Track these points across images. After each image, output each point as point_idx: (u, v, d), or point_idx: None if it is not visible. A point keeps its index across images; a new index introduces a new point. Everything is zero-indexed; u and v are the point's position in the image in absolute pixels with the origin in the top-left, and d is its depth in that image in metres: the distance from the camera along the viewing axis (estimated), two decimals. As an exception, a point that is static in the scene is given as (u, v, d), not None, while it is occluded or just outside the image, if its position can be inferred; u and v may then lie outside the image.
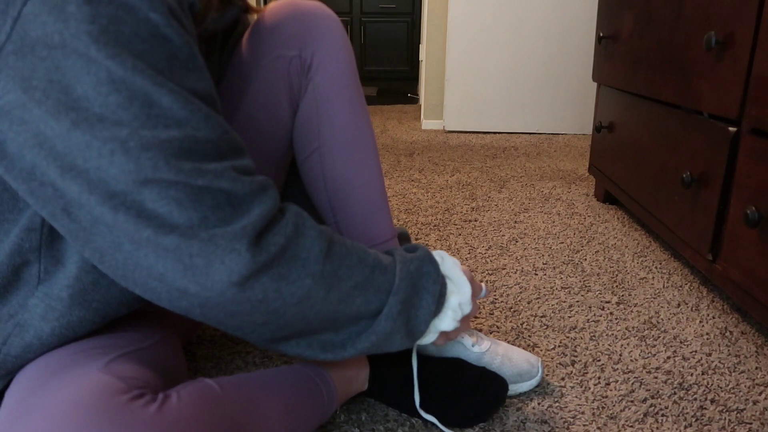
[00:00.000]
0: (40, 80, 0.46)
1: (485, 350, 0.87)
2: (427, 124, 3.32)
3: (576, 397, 0.88)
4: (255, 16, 0.79)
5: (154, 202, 0.48)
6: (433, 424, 0.80)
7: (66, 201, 0.49)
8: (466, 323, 0.75)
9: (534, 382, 0.88)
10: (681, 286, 1.27)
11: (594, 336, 1.05)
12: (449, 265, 0.70)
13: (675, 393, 0.89)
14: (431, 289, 0.65)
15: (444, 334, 0.72)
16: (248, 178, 0.53)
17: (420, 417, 0.80)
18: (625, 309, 1.16)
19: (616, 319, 1.12)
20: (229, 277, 0.50)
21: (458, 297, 0.68)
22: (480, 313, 1.13)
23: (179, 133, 0.49)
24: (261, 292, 0.53)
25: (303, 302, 0.56)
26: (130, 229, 0.49)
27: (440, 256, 0.71)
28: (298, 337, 0.60)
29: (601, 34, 1.78)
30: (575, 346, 1.02)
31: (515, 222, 1.67)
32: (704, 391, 0.90)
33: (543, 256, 1.42)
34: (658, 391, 0.90)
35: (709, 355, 1.00)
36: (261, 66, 0.76)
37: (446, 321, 0.68)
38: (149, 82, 0.48)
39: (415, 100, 4.57)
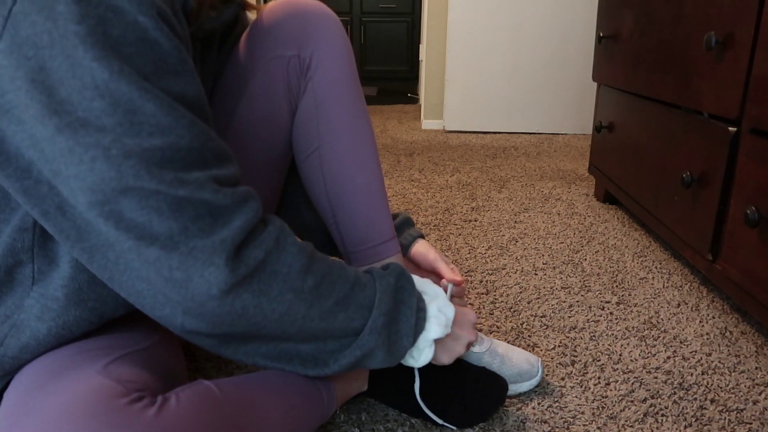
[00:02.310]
0: (23, 80, 0.46)
1: (485, 350, 0.87)
2: (427, 124, 3.32)
3: (576, 397, 0.88)
4: (254, 15, 0.79)
5: (133, 212, 0.48)
6: (433, 423, 0.80)
7: (61, 199, 0.49)
8: (468, 331, 0.74)
9: (534, 382, 0.88)
10: (681, 286, 1.27)
11: (594, 336, 1.05)
12: (419, 281, 0.71)
13: (675, 393, 0.89)
14: (408, 302, 0.65)
15: (446, 352, 0.72)
16: (230, 189, 0.53)
17: (421, 409, 0.80)
18: (625, 309, 1.16)
19: (616, 319, 1.12)
20: (208, 290, 0.51)
21: (435, 303, 0.68)
22: (480, 313, 1.13)
23: (162, 142, 0.49)
24: (241, 307, 0.53)
25: (283, 318, 0.56)
26: (112, 239, 0.49)
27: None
28: (279, 354, 0.60)
29: (601, 34, 1.78)
30: (575, 346, 1.02)
31: (515, 222, 1.67)
32: (704, 391, 0.90)
33: (543, 256, 1.42)
34: (658, 391, 0.90)
35: (709, 355, 1.00)
36: (259, 66, 0.76)
37: (433, 329, 0.67)
38: (134, 88, 0.48)
39: (415, 100, 4.57)
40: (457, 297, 0.83)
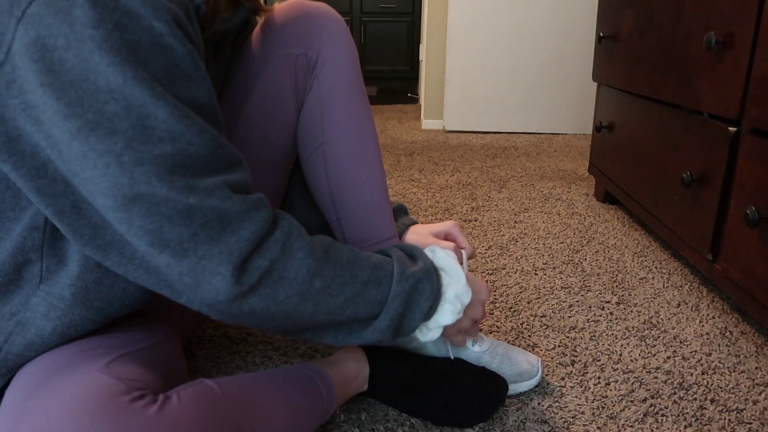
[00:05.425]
0: (35, 83, 0.47)
1: (485, 350, 0.87)
2: (427, 124, 3.32)
3: (576, 397, 0.88)
4: (263, 16, 0.80)
5: (143, 219, 0.49)
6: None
7: (77, 197, 0.50)
8: (473, 325, 0.77)
9: (534, 382, 0.88)
10: (681, 286, 1.27)
11: (594, 336, 1.05)
12: (441, 256, 0.72)
13: (675, 393, 0.89)
14: (423, 305, 0.67)
15: (455, 333, 0.76)
16: (241, 196, 0.54)
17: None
18: (625, 309, 1.16)
19: (616, 319, 1.12)
20: (216, 297, 0.53)
21: (454, 288, 0.70)
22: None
23: (173, 149, 0.50)
24: (249, 310, 0.55)
25: (291, 314, 0.58)
26: (125, 241, 0.51)
27: (431, 250, 0.72)
28: (295, 329, 0.63)
29: (601, 34, 1.78)
30: (575, 346, 1.02)
31: (515, 222, 1.67)
32: (704, 391, 0.90)
33: (543, 256, 1.42)
34: (658, 391, 0.90)
35: (709, 355, 1.00)
36: (268, 64, 0.77)
37: (446, 315, 0.69)
38: (148, 94, 0.48)
39: (415, 100, 4.57)
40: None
